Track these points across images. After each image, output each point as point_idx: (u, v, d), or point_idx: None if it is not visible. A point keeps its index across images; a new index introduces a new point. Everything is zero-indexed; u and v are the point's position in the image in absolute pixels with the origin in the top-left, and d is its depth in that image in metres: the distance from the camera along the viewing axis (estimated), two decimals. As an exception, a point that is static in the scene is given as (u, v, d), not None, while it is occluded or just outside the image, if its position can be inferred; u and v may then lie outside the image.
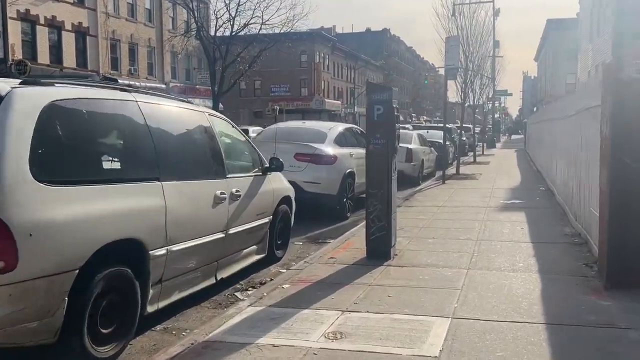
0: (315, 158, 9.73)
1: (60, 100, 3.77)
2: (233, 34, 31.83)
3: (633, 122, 5.06)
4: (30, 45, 28.12)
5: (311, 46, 55.93)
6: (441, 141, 17.73)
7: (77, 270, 3.63)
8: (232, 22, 31.63)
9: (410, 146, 15.77)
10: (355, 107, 62.72)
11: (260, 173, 6.55)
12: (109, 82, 4.86)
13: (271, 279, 5.97)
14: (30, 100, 3.58)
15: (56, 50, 29.72)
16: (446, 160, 18.60)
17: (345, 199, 10.15)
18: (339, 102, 61.86)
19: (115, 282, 4.03)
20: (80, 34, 31.26)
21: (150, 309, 4.52)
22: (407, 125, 27.21)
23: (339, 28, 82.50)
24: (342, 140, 10.66)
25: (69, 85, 4.07)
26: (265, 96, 55.11)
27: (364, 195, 7.29)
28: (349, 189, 10.24)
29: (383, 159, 6.47)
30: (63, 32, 30.01)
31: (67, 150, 3.76)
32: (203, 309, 5.28)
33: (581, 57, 34.88)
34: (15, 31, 26.99)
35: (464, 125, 24.59)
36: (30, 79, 3.80)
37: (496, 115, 52.60)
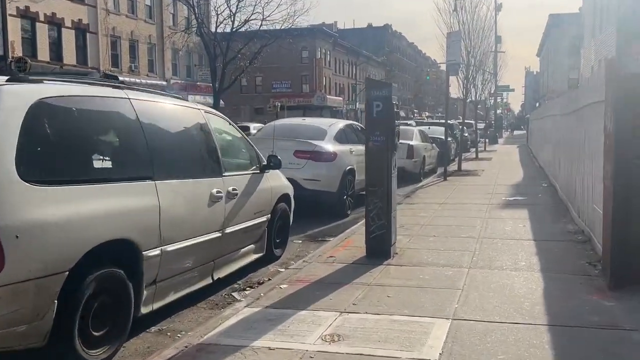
0: (315, 155, 9.63)
1: (49, 97, 3.67)
2: (234, 30, 31.73)
3: (637, 117, 4.94)
4: (30, 42, 28.03)
5: (312, 42, 55.78)
6: (443, 137, 17.60)
7: (67, 272, 3.54)
8: (232, 19, 31.54)
9: (411, 142, 15.64)
10: (357, 104, 62.54)
11: (258, 171, 6.45)
12: (109, 79, 4.76)
13: (269, 279, 5.88)
14: (17, 98, 3.48)
15: (56, 47, 29.63)
16: (448, 157, 18.47)
17: (345, 197, 10.05)
18: (341, 98, 61.72)
19: (107, 283, 3.94)
20: (80, 30, 31.14)
21: (144, 310, 4.43)
22: (410, 122, 27.09)
23: (341, 24, 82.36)
24: (342, 137, 10.56)
25: (58, 83, 3.98)
26: (267, 93, 54.99)
27: (364, 193, 7.18)
28: (349, 186, 10.13)
29: (383, 155, 6.36)
30: (63, 29, 29.90)
31: (55, 149, 3.66)
32: (199, 310, 5.19)
33: (584, 52, 34.69)
34: (14, 28, 26.88)
35: (465, 121, 24.42)
36: (18, 75, 3.69)
37: (498, 111, 52.44)
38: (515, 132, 65.63)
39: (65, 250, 3.52)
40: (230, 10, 31.58)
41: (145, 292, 4.41)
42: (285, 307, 4.72)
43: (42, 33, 28.69)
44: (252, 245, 6.36)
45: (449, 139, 20.11)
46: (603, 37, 25.54)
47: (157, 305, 4.62)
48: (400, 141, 14.86)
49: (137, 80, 31.79)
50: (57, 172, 3.61)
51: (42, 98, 3.61)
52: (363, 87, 57.23)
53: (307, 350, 3.79)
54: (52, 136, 3.65)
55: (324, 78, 58.76)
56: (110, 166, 4.06)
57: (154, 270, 4.46)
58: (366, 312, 4.54)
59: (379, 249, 6.39)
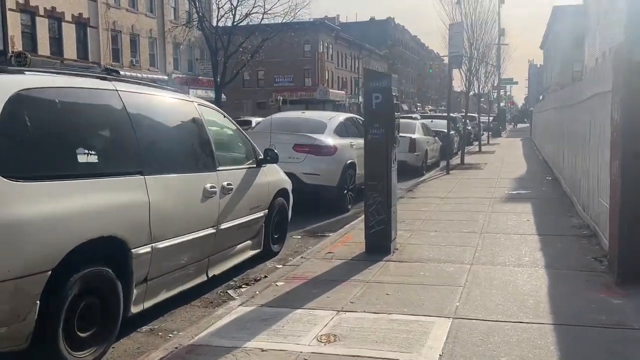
0: (315, 149, 9.46)
1: (29, 89, 3.51)
2: (235, 24, 31.52)
3: (646, 108, 4.75)
4: (30, 36, 27.86)
5: (315, 36, 55.47)
6: (445, 130, 17.39)
7: (50, 272, 3.39)
8: (233, 12, 31.34)
9: (413, 136, 15.46)
10: (360, 97, 62.23)
11: (254, 165, 6.28)
12: (109, 73, 4.60)
13: (265, 276, 5.72)
14: (-5, 89, 3.32)
15: (56, 41, 29.45)
16: (451, 150, 18.28)
17: (346, 191, 9.88)
18: (343, 92, 61.46)
19: (94, 282, 3.80)
20: (81, 25, 30.95)
21: (134, 309, 4.29)
22: (414, 115, 26.85)
23: (343, 17, 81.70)
24: (342, 130, 10.37)
25: (40, 74, 3.82)
26: (269, 87, 54.78)
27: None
28: (349, 180, 9.96)
29: (382, 149, 6.18)
30: (63, 23, 29.72)
31: (36, 143, 3.49)
32: (193, 308, 5.04)
33: (588, 44, 34.35)
34: (14, 23, 26.72)
35: (469, 114, 24.19)
36: (-3, 66, 3.53)
37: (502, 104, 52.12)
38: (519, 125, 65.27)
39: (47, 249, 3.37)
40: (232, 4, 31.39)
41: (135, 291, 4.27)
42: (280, 306, 4.57)
43: (42, 27, 28.51)
44: (248, 242, 6.21)
45: (452, 132, 19.90)
46: (608, 28, 25.23)
47: (148, 304, 4.47)
48: (402, 134, 14.78)
49: (139, 75, 31.64)
50: (37, 167, 3.45)
51: (22, 89, 3.45)
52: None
53: (301, 352, 3.64)
54: (32, 129, 3.49)
55: (327, 72, 58.46)
56: (96, 161, 3.89)
57: (144, 268, 4.31)
58: (364, 311, 4.38)
59: (379, 244, 6.23)
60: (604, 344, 3.70)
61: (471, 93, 23.61)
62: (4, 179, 3.17)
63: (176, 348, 3.79)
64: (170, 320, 4.73)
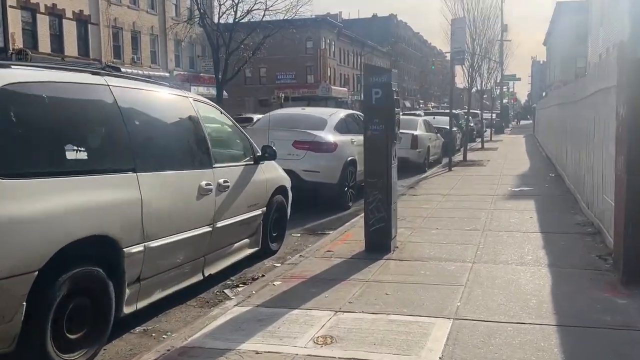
0: (315, 146, 9.34)
1: (15, 83, 3.40)
2: (236, 20, 31.40)
3: (652, 102, 4.62)
4: (30, 34, 27.78)
5: (317, 32, 55.27)
6: (448, 127, 17.25)
7: (37, 272, 3.28)
8: (235, 9, 31.22)
9: (415, 132, 15.34)
10: (362, 94, 61.99)
11: (252, 162, 6.17)
12: (110, 70, 4.50)
13: (263, 275, 5.61)
14: (-21, 84, 3.21)
15: (57, 38, 29.37)
16: (453, 147, 18.14)
17: (346, 188, 9.77)
18: (346, 89, 61.28)
19: (84, 282, 3.70)
20: (82, 22, 30.86)
21: (127, 310, 4.18)
22: (418, 111, 26.67)
23: (345, 14, 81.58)
24: (343, 126, 10.25)
25: (27, 68, 3.71)
26: (271, 84, 54.62)
27: (365, 184, 6.90)
28: (350, 177, 9.84)
29: (382, 145, 6.06)
30: (64, 21, 29.63)
31: (22, 140, 3.38)
32: (189, 308, 4.94)
33: (592, 40, 34.12)
34: (15, 20, 26.64)
35: (471, 110, 24.03)
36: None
37: (504, 101, 51.88)
38: (522, 122, 64.99)
39: (34, 249, 3.26)
40: (233, 1, 31.27)
41: (127, 291, 4.16)
42: (277, 306, 4.46)
43: (43, 24, 28.43)
44: (246, 240, 6.10)
45: (454, 128, 19.76)
46: (612, 23, 25.02)
47: (141, 304, 4.37)
48: (404, 131, 14.76)
49: (140, 72, 31.55)
50: (24, 164, 3.35)
51: (8, 84, 3.34)
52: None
53: (296, 355, 3.53)
54: (19, 125, 3.38)
55: (329, 69, 58.27)
56: (86, 157, 3.78)
57: (137, 267, 4.21)
58: (362, 312, 4.27)
59: (379, 242, 6.11)
60: (610, 346, 3.58)
61: (474, 89, 23.44)
62: (-12, 177, 3.06)
63: (168, 350, 3.69)
64: (165, 321, 4.63)
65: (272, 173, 6.63)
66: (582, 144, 8.58)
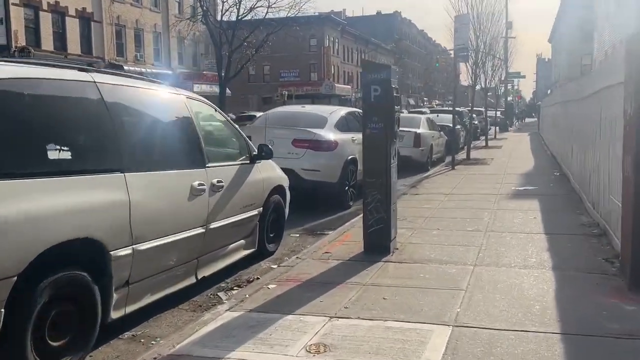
0: (315, 144, 9.17)
1: (-5, 80, 3.25)
2: (239, 18, 31.23)
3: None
4: (33, 31, 27.69)
5: (320, 30, 55.06)
6: (451, 125, 17.05)
7: (15, 278, 3.14)
8: (238, 6, 31.04)
9: (418, 130, 15.14)
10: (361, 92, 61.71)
11: (248, 161, 6.01)
12: (113, 68, 4.35)
13: (258, 278, 5.46)
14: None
15: (60, 36, 29.28)
16: (457, 145, 17.94)
17: (347, 187, 9.60)
18: (349, 86, 61.05)
19: (67, 287, 3.56)
20: (85, 19, 30.77)
21: (114, 315, 4.04)
22: (424, 109, 26.45)
23: (349, 11, 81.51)
24: (343, 124, 10.07)
25: (10, 64, 3.56)
26: (275, 81, 54.46)
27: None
28: (351, 176, 9.68)
29: (381, 144, 5.90)
30: (67, 18, 29.53)
31: (2, 138, 3.23)
32: (180, 312, 4.79)
33: (597, 37, 33.80)
34: (17, 17, 26.56)
35: (475, 108, 23.80)
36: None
37: (509, 98, 51.56)
38: (527, 120, 64.61)
39: (12, 253, 3.12)
40: (236, -2, 31.08)
41: (115, 296, 4.02)
42: (270, 311, 4.30)
43: (46, 22, 28.34)
44: (242, 241, 5.94)
45: (458, 126, 19.55)
46: (618, 20, 24.73)
47: (130, 309, 4.22)
48: (407, 129, 14.61)
49: (143, 70, 31.44)
50: (2, 164, 3.19)
51: (-14, 81, 3.19)
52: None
53: (287, 364, 3.38)
54: (-2, 123, 3.23)
55: (332, 66, 58.07)
56: (70, 157, 3.63)
57: (125, 271, 4.06)
58: (358, 317, 4.11)
59: (378, 244, 5.95)
60: (616, 357, 3.41)
61: (478, 87, 23.20)
62: (-38, 178, 2.92)
63: (154, 358, 3.54)
64: (155, 326, 4.48)
65: (269, 172, 6.47)
66: (587, 143, 8.38)
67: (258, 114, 26.35)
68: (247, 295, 4.74)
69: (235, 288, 5.34)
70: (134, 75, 4.81)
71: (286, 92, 44.02)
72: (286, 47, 46.92)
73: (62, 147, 3.59)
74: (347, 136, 9.77)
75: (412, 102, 78.53)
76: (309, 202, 9.10)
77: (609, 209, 6.28)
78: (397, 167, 6.23)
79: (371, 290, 4.76)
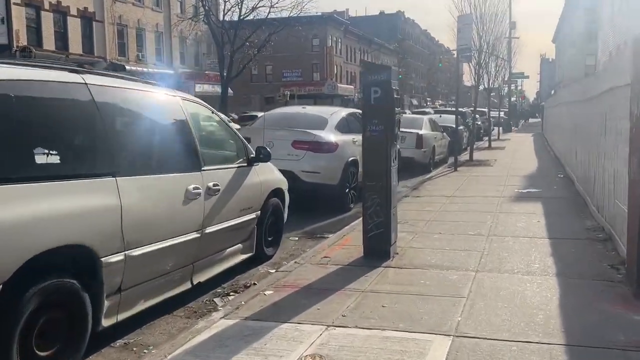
0: (315, 146, 9.06)
1: (-22, 82, 3.14)
2: (241, 18, 31.14)
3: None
4: (35, 31, 27.65)
5: (323, 30, 54.95)
6: (454, 126, 16.92)
7: (0, 286, 3.03)
8: (240, 6, 30.95)
9: (420, 132, 15.02)
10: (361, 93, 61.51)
11: (245, 164, 5.90)
12: (115, 67, 4.24)
13: (254, 283, 5.34)
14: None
15: (62, 36, 29.24)
16: (459, 146, 17.81)
17: (347, 190, 9.49)
18: (352, 86, 60.90)
19: (56, 295, 3.45)
20: (86, 19, 30.72)
21: (106, 322, 3.93)
22: (427, 109, 26.29)
23: (352, 11, 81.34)
24: (344, 126, 9.95)
25: (-4, 65, 3.45)
26: (277, 81, 54.35)
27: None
28: (351, 178, 9.56)
29: (381, 146, 5.78)
30: (68, 18, 29.49)
31: (-14, 142, 3.13)
32: (175, 319, 4.68)
33: (602, 37, 33.61)
34: (19, 17, 26.52)
35: (479, 108, 23.67)
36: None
37: (512, 99, 51.36)
38: (531, 120, 64.35)
39: (-3, 261, 3.01)
40: (238, -3, 30.97)
41: (106, 303, 3.91)
42: (265, 319, 4.19)
43: (47, 22, 28.29)
44: (239, 245, 5.83)
45: (461, 127, 19.41)
46: (623, 20, 24.55)
47: (122, 316, 4.11)
48: (409, 130, 14.50)
49: (145, 70, 31.38)
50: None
51: (-30, 82, 3.09)
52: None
53: (281, 376, 3.27)
54: (-19, 127, 3.13)
55: (335, 66, 57.93)
56: (59, 161, 3.52)
57: (116, 277, 3.95)
58: (356, 326, 3.99)
59: (378, 249, 5.83)
60: (623, 370, 3.28)
61: (481, 87, 23.07)
62: (-58, 184, 2.81)
63: (145, 369, 3.43)
64: (149, 333, 4.37)
65: (267, 175, 6.36)
66: (592, 145, 8.24)
67: (260, 114, 26.35)
68: (242, 302, 4.62)
69: (231, 294, 5.23)
70: (127, 76, 4.70)
71: (288, 92, 43.87)
72: (289, 47, 46.81)
73: (51, 151, 3.49)
74: (348, 137, 9.65)
75: (415, 102, 78.35)
76: (309, 204, 8.99)
77: (614, 213, 6.15)
78: (397, 170, 6.11)
79: (370, 297, 4.64)
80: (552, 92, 57.44)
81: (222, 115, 6.26)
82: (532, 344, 3.62)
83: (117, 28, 32.84)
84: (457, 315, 4.17)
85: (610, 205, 6.40)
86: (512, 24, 33.84)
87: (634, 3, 20.61)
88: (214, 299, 5.13)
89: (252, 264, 6.12)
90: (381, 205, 5.81)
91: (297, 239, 7.54)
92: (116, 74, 4.53)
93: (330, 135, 9.33)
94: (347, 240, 6.76)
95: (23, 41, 26.18)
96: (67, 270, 3.54)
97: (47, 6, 28.05)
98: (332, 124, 9.68)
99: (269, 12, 31.11)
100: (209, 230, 5.02)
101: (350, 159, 9.45)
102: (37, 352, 3.34)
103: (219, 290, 5.37)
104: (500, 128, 34.96)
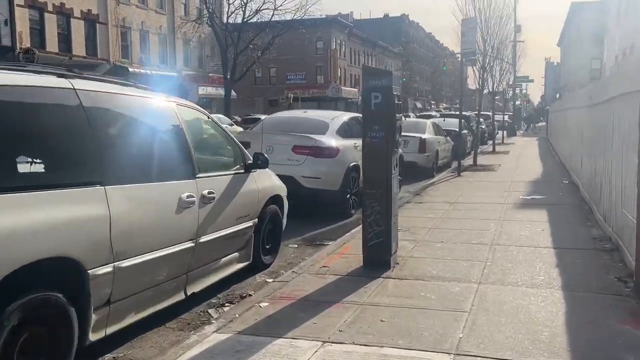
0: (315, 151, 8.91)
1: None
2: (245, 20, 31.09)
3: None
4: (38, 33, 27.68)
5: (327, 32, 54.90)
6: (458, 130, 16.73)
7: (-22, 302, 2.90)
8: (243, 8, 30.91)
9: (423, 136, 14.84)
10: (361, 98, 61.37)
11: (242, 170, 5.75)
12: (118, 69, 4.11)
13: (250, 294, 5.18)
14: None
15: (65, 38, 29.26)
16: (463, 150, 17.61)
17: (348, 195, 9.33)
18: (356, 89, 60.72)
19: (39, 310, 3.30)
20: (90, 21, 30.73)
21: (93, 337, 3.78)
22: (433, 113, 26.11)
23: (357, 14, 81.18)
24: (346, 130, 9.80)
25: (-23, 70, 3.32)
26: (281, 84, 54.31)
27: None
28: (353, 184, 9.40)
29: (382, 153, 5.63)
30: (72, 20, 29.51)
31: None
32: (167, 331, 4.53)
33: (607, 41, 33.39)
34: (22, 18, 26.53)
35: (482, 112, 23.47)
36: None
37: (517, 102, 51.13)
38: (531, 126, 64.00)
39: (-27, 276, 2.87)
40: (242, 0, 30.96)
41: (94, 316, 3.76)
42: (259, 334, 4.03)
43: (51, 23, 28.31)
44: (235, 254, 5.68)
45: (465, 131, 19.22)
46: (629, 24, 24.34)
47: (111, 329, 3.96)
48: (412, 134, 14.34)
49: (148, 72, 31.32)
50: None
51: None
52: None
53: (273, 398, 3.11)
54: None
55: (339, 69, 57.85)
56: (44, 170, 3.39)
57: (105, 289, 3.81)
58: (353, 343, 3.83)
59: (377, 259, 5.67)
60: (633, 393, 3.12)
61: (485, 91, 22.88)
62: None
63: (131, 388, 3.28)
64: (139, 347, 4.23)
65: (265, 182, 6.21)
66: (599, 152, 8.07)
67: (263, 117, 26.24)
68: (237, 315, 4.47)
69: (226, 304, 5.08)
70: (120, 80, 4.55)
71: (292, 95, 43.76)
72: (292, 50, 46.81)
73: (35, 159, 3.35)
74: (350, 142, 9.50)
75: (419, 105, 78.20)
76: (309, 210, 8.84)
77: (621, 224, 5.98)
78: (398, 178, 5.96)
79: (368, 311, 4.48)
80: (557, 96, 57.17)
81: (224, 119, 6.10)
82: (537, 364, 3.46)
83: (120, 30, 32.84)
84: (458, 331, 4.01)
85: (618, 215, 6.23)
86: (517, 28, 33.70)
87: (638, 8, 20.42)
88: (209, 310, 4.97)
89: (250, 272, 5.98)
90: (381, 213, 5.65)
91: (296, 246, 7.38)
92: (108, 79, 4.39)
93: (331, 140, 9.19)
94: (346, 249, 6.60)
95: (26, 43, 26.16)
96: (52, 283, 3.40)
97: (50, 8, 28.07)
98: (333, 129, 9.53)
99: (273, 14, 31.11)
100: (203, 239, 4.88)
101: (352, 164, 9.29)
102: (18, 369, 3.20)
103: (214, 300, 5.22)
104: (505, 132, 34.71)
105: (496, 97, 31.18)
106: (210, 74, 40.63)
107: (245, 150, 6.00)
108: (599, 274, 5.42)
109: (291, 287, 5.21)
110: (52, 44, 28.19)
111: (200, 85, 37.66)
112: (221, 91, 34.43)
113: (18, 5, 26.07)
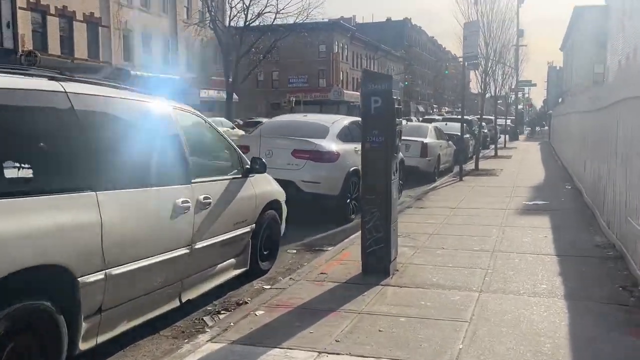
0: (315, 155, 8.82)
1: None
2: (247, 23, 31.06)
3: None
4: (40, 35, 27.66)
5: (330, 36, 54.90)
6: (459, 134, 16.63)
7: (-38, 312, 2.80)
8: (246, 12, 30.88)
9: (425, 140, 14.74)
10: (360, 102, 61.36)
11: (240, 175, 5.66)
12: (120, 72, 4.03)
13: (246, 302, 5.08)
14: None
15: (67, 41, 29.22)
16: (465, 154, 17.51)
17: (349, 200, 9.23)
18: (358, 93, 60.74)
19: (26, 319, 3.21)
20: (92, 24, 30.70)
21: (84, 346, 3.68)
22: (435, 117, 26.05)
23: (359, 18, 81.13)
24: (346, 134, 9.71)
25: (-36, 73, 3.24)
26: (283, 87, 54.33)
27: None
28: (353, 188, 9.30)
29: (382, 159, 5.53)
30: (74, 23, 29.48)
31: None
32: (160, 339, 4.43)
33: (611, 46, 33.28)
34: (25, 21, 26.51)
35: (484, 116, 23.37)
36: None
37: (520, 107, 51.00)
38: (537, 129, 63.84)
39: (-44, 285, 2.78)
40: (244, 3, 30.95)
41: (84, 325, 3.66)
42: (254, 344, 3.93)
43: (53, 26, 28.29)
44: (232, 260, 5.58)
45: (467, 135, 19.12)
46: (633, 29, 24.23)
47: (102, 338, 3.86)
48: (414, 139, 14.24)
49: (150, 75, 31.27)
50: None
51: None
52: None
53: (265, 412, 3.01)
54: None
55: (341, 73, 57.84)
56: (32, 175, 3.29)
57: (96, 297, 3.71)
58: (349, 354, 3.73)
59: (376, 266, 5.57)
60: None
61: (488, 95, 22.80)
62: None
63: (120, 400, 3.18)
64: (131, 356, 4.13)
65: (263, 187, 6.12)
66: (602, 157, 7.96)
67: (265, 120, 26.18)
68: (232, 323, 4.37)
69: (222, 312, 4.99)
70: (115, 83, 4.46)
71: (294, 98, 43.75)
72: (295, 53, 46.79)
73: (24, 164, 3.25)
74: (350, 147, 9.40)
75: (421, 109, 78.11)
76: (309, 215, 8.75)
77: (626, 231, 5.87)
78: (398, 183, 5.86)
79: (366, 320, 4.38)
80: (560, 100, 57.01)
81: (226, 122, 6.02)
82: (539, 378, 3.35)
83: (123, 33, 32.79)
84: (458, 342, 3.90)
85: (622, 222, 6.12)
86: (519, 32, 33.59)
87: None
88: (204, 318, 4.88)
89: (247, 278, 5.88)
90: (381, 219, 5.55)
91: (295, 251, 7.29)
92: (100, 81, 4.30)
93: (331, 145, 9.09)
94: (345, 255, 6.50)
95: (29, 45, 26.15)
96: (40, 292, 3.30)
97: (53, 11, 28.04)
98: (333, 133, 9.44)
99: (275, 18, 31.09)
100: (199, 245, 4.78)
101: (352, 168, 9.19)
102: (4, 380, 3.11)
103: (209, 307, 5.12)
104: (507, 136, 34.61)
105: (498, 101, 31.05)
106: (212, 77, 40.58)
107: (243, 155, 5.92)
108: (603, 283, 5.30)
109: (288, 294, 5.11)
110: (54, 46, 28.16)
111: (202, 89, 37.62)
112: (223, 94, 34.37)
113: (20, 8, 26.06)
